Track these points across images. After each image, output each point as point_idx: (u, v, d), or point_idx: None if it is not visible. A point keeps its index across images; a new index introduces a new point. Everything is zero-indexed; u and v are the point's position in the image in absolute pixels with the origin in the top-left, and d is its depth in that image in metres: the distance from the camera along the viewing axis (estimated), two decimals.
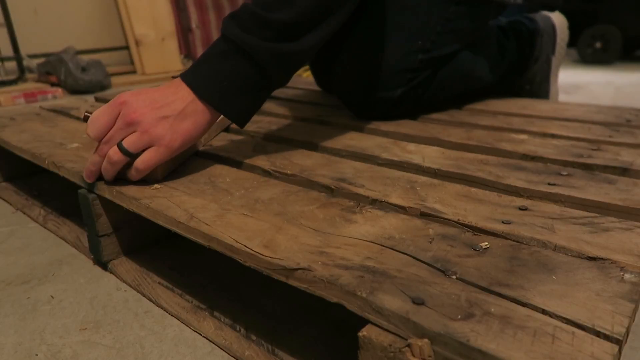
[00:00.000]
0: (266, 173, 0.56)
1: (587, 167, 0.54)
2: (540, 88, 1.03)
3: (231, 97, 0.53)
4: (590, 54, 2.84)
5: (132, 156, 0.50)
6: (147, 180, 0.53)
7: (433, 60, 0.77)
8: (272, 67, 0.53)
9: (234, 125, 0.78)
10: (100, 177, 0.53)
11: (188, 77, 0.52)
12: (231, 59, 0.52)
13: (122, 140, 0.49)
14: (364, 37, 0.78)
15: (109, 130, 0.50)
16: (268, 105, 0.93)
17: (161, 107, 0.50)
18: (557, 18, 1.03)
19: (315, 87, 1.13)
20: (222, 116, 0.73)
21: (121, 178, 0.52)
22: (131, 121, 0.49)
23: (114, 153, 0.49)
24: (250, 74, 0.53)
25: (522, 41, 0.95)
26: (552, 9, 0.91)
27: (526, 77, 1.01)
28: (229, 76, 0.52)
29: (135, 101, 0.50)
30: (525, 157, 0.58)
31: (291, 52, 0.54)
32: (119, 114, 0.50)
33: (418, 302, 0.29)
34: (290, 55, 0.54)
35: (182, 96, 0.51)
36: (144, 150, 0.50)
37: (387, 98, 0.76)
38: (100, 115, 0.50)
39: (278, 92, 1.08)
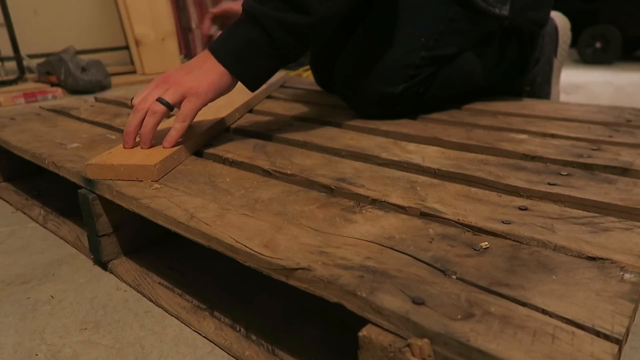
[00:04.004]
0: (266, 173, 0.56)
1: (587, 167, 0.54)
2: (541, 90, 1.03)
3: (242, 59, 0.60)
4: (590, 54, 2.84)
5: (170, 107, 0.58)
6: (142, 179, 0.53)
7: (435, 58, 0.77)
8: (279, 34, 0.59)
9: (233, 125, 0.78)
10: (100, 178, 0.53)
11: (211, 45, 0.61)
12: (245, 27, 0.60)
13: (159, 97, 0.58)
14: (368, 34, 0.79)
15: None
16: (268, 105, 0.93)
17: (190, 70, 0.60)
18: (560, 20, 1.03)
19: (316, 87, 1.13)
20: (221, 118, 0.73)
21: (124, 180, 0.53)
22: (162, 80, 0.59)
23: (154, 104, 0.57)
24: (259, 39, 0.59)
25: (524, 42, 0.94)
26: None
27: (527, 78, 1.00)
28: (241, 41, 0.59)
29: (168, 70, 0.61)
30: (525, 157, 0.58)
31: (296, 22, 0.59)
32: None
33: (418, 302, 0.29)
34: (295, 26, 0.59)
35: (209, 66, 0.60)
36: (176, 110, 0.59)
37: (388, 93, 0.76)
38: (143, 89, 0.60)
39: (278, 92, 1.08)
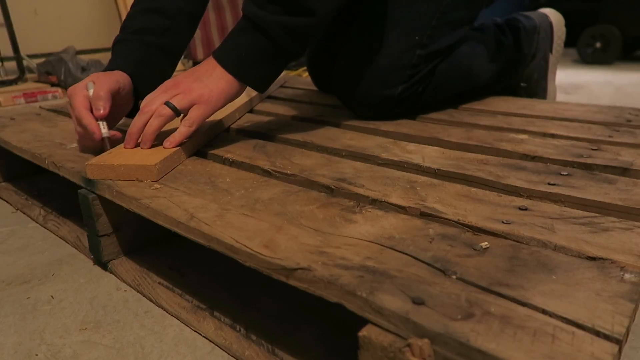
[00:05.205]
0: (266, 173, 0.56)
1: (587, 167, 0.54)
2: (537, 86, 1.03)
3: (250, 67, 0.60)
4: (590, 54, 2.83)
5: (177, 113, 0.58)
6: (143, 179, 0.53)
7: (431, 54, 0.77)
8: (283, 39, 0.59)
9: (233, 125, 0.78)
10: (100, 178, 0.53)
11: (215, 52, 0.61)
12: (248, 34, 0.59)
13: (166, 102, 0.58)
14: (362, 36, 0.78)
15: None
16: (268, 105, 0.93)
17: (199, 78, 0.60)
18: (554, 16, 1.03)
19: (316, 87, 1.13)
20: (221, 118, 0.73)
21: (124, 180, 0.53)
22: (172, 85, 0.59)
23: (162, 108, 0.57)
24: (265, 46, 0.59)
25: (519, 38, 0.95)
26: None
27: (523, 74, 1.00)
28: (247, 48, 0.60)
29: (176, 77, 0.61)
30: (525, 157, 0.58)
31: (301, 25, 0.59)
32: None
33: (418, 302, 0.29)
34: (298, 28, 0.59)
35: (218, 74, 0.60)
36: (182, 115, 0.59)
37: (388, 96, 0.76)
38: (151, 93, 0.60)
39: (278, 92, 1.08)
